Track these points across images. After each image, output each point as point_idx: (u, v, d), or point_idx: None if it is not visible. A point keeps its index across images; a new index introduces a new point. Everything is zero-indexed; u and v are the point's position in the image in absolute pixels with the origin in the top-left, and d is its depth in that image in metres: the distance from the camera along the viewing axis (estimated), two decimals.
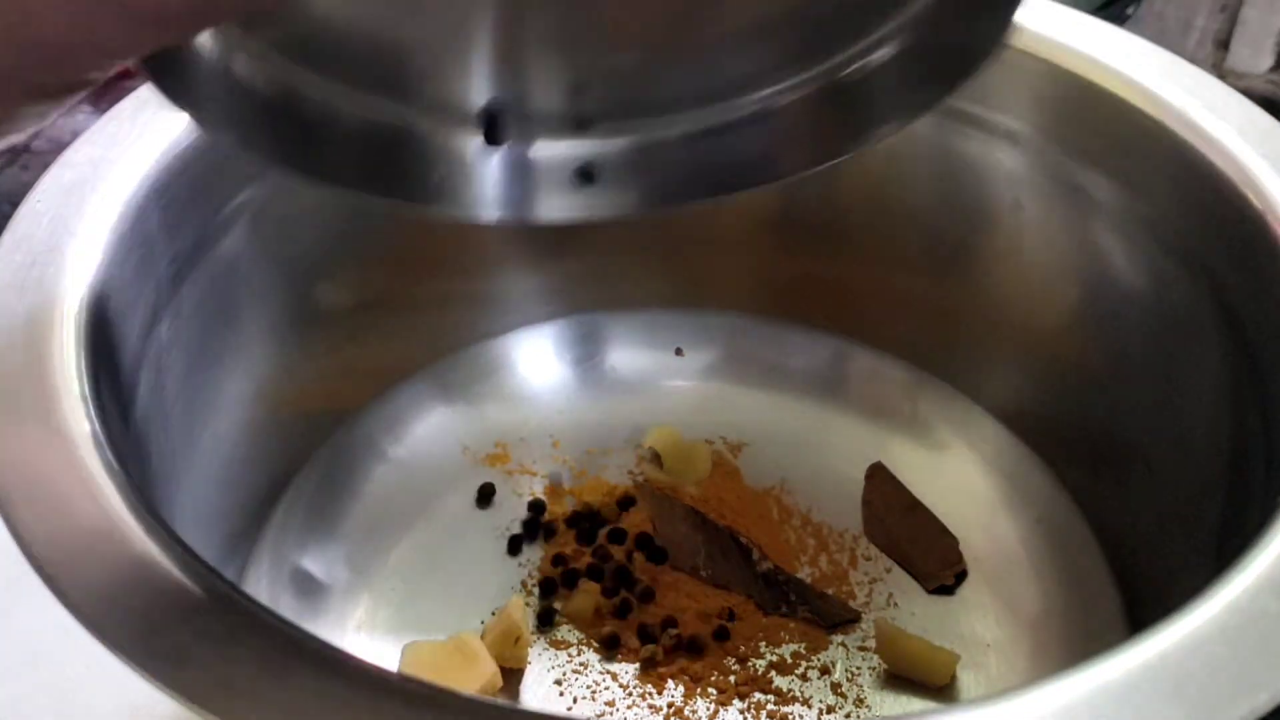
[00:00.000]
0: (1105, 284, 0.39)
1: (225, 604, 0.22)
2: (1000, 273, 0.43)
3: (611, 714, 0.37)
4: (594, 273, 0.48)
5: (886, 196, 0.44)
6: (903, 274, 0.45)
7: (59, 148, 0.57)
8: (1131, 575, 0.38)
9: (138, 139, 0.33)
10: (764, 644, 0.39)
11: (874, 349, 0.47)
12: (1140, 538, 0.38)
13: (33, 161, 0.61)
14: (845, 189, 0.45)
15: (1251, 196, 0.33)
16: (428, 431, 0.45)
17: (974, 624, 0.39)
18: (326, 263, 0.41)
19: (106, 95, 0.64)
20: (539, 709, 0.35)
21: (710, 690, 0.37)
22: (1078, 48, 0.38)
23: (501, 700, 0.36)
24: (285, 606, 0.38)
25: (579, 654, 0.38)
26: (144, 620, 0.22)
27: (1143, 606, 0.37)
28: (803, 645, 0.39)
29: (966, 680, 0.38)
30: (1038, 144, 0.40)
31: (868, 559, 0.41)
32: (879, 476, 0.44)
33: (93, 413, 0.26)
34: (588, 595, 0.39)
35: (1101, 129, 0.37)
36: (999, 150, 0.41)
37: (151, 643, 0.22)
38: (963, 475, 0.44)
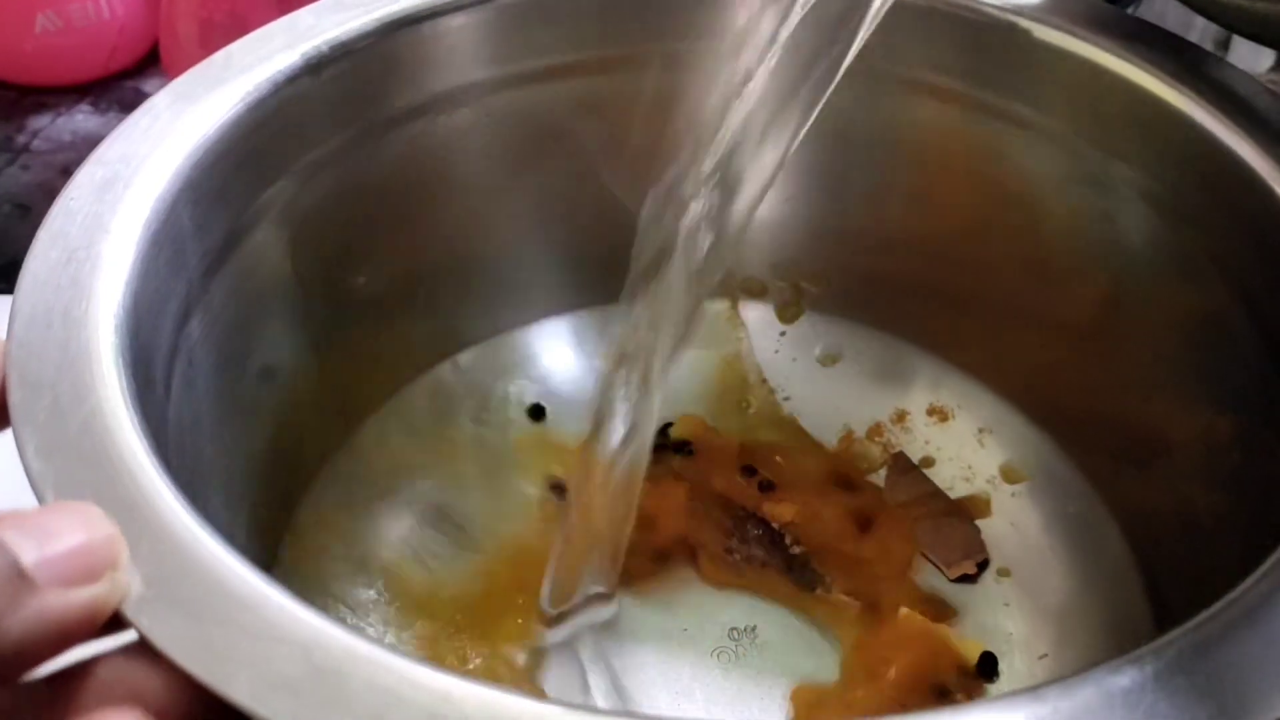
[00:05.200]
0: (1131, 277, 0.39)
1: (269, 601, 0.23)
2: (1024, 263, 0.43)
3: None
4: (611, 264, 0.48)
5: (914, 185, 0.44)
6: (929, 264, 0.45)
7: (59, 148, 0.57)
8: (1156, 565, 0.38)
9: (168, 134, 0.33)
10: None
11: (897, 338, 0.47)
12: (1164, 528, 0.38)
13: (33, 161, 0.60)
14: (883, 184, 0.45)
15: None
16: (449, 424, 0.45)
17: (996, 613, 0.39)
18: (353, 257, 0.41)
19: (106, 94, 0.64)
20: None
21: None
22: (1102, 39, 0.38)
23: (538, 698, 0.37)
24: (312, 603, 0.38)
25: None
26: (187, 615, 0.22)
27: (1168, 596, 0.37)
28: None
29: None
30: (1068, 137, 0.39)
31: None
32: (900, 465, 0.44)
33: (133, 411, 0.26)
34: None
35: (1130, 123, 0.37)
36: (1025, 141, 0.40)
37: (195, 638, 0.22)
38: (983, 464, 0.44)
